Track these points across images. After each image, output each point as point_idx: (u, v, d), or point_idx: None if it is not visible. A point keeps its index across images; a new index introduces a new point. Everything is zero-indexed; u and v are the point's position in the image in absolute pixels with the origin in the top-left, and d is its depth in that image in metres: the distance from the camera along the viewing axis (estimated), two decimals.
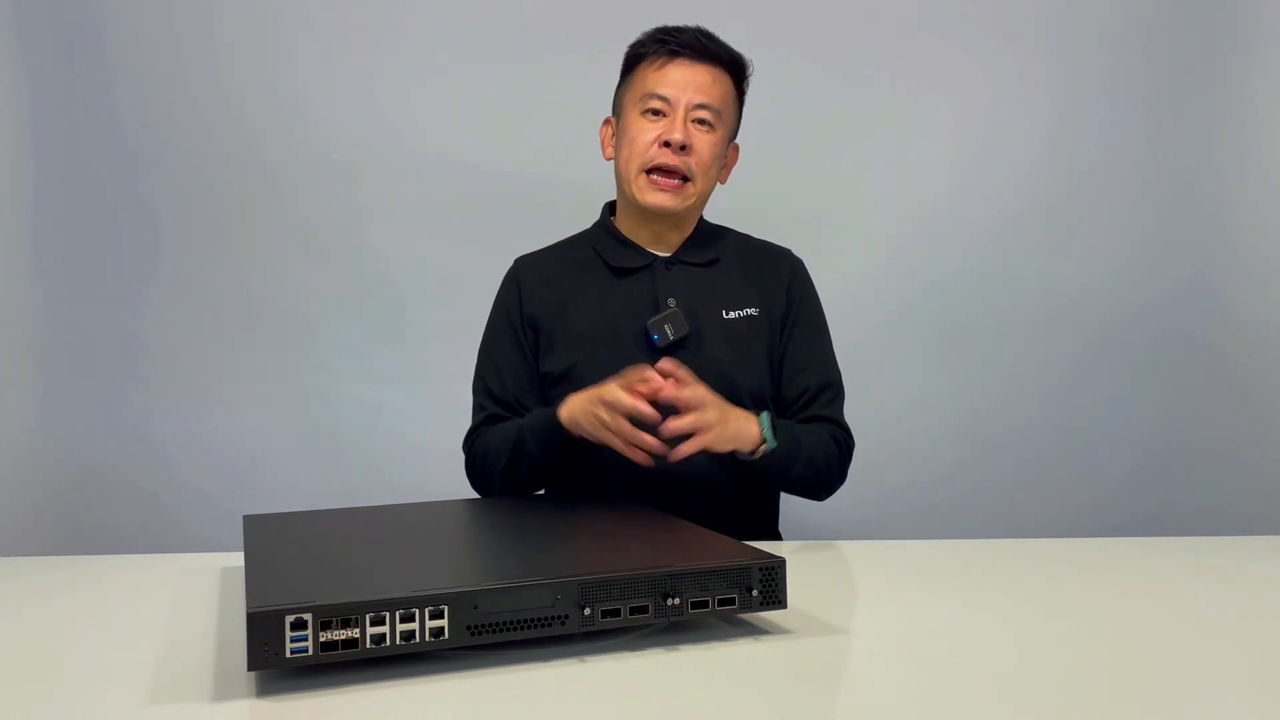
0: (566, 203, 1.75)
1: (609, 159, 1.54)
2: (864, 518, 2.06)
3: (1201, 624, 0.99)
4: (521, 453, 1.41)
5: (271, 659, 0.77)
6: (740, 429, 1.33)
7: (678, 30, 1.47)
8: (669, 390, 1.27)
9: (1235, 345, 2.34)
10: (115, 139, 2.22)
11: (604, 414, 1.29)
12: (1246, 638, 0.95)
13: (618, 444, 1.30)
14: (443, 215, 2.27)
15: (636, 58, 1.50)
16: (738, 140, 1.56)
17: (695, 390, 1.29)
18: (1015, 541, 1.44)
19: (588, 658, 0.85)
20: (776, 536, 1.55)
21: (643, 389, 1.27)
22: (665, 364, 1.29)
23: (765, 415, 1.36)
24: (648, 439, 1.29)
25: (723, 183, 1.55)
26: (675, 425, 1.28)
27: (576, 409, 1.35)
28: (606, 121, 1.56)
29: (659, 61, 1.46)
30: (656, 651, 0.87)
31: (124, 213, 2.24)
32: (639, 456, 1.30)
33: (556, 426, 1.37)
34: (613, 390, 1.28)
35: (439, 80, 2.26)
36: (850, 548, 1.35)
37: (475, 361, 1.56)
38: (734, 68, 1.49)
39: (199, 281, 2.26)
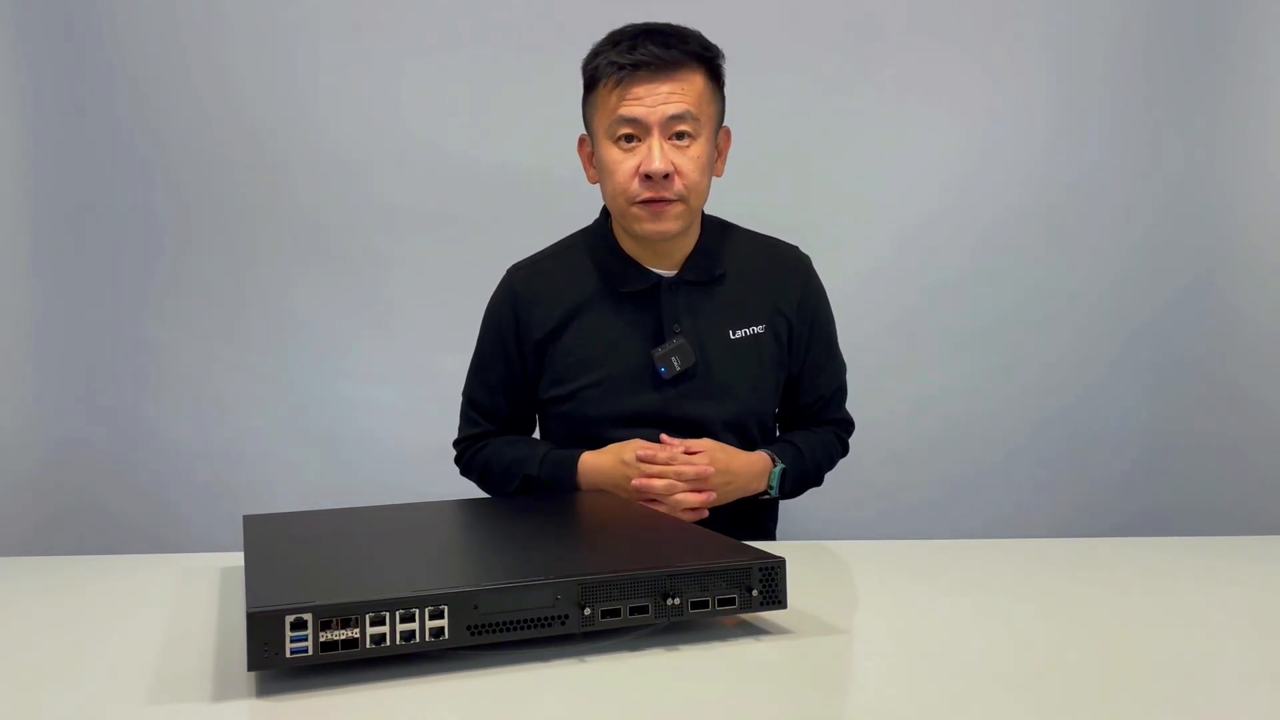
0: (565, 203, 1.75)
1: (593, 183, 1.47)
2: (864, 518, 2.06)
3: (1201, 624, 0.99)
4: (526, 490, 1.45)
5: (271, 659, 0.77)
6: (746, 486, 1.41)
7: (631, 45, 1.35)
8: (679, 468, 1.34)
9: (1236, 345, 2.34)
10: (115, 138, 2.22)
11: (633, 494, 1.34)
12: (1246, 638, 0.95)
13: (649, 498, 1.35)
14: (441, 216, 2.27)
15: (594, 79, 1.39)
16: (727, 124, 1.47)
17: (700, 462, 1.34)
18: (1015, 541, 1.44)
19: (588, 658, 0.85)
20: (771, 537, 1.55)
21: (661, 458, 1.34)
22: (669, 444, 1.36)
23: (776, 472, 1.42)
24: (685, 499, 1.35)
25: (719, 175, 1.47)
26: (688, 499, 1.34)
27: (602, 483, 1.39)
28: (581, 141, 1.48)
29: (615, 83, 1.35)
30: (656, 651, 0.87)
31: (123, 212, 2.24)
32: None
33: (572, 486, 1.41)
34: (642, 481, 1.33)
35: (437, 80, 2.26)
36: (850, 548, 1.35)
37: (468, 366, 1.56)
38: (700, 60, 1.38)
39: (198, 281, 2.26)
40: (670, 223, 1.39)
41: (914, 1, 2.30)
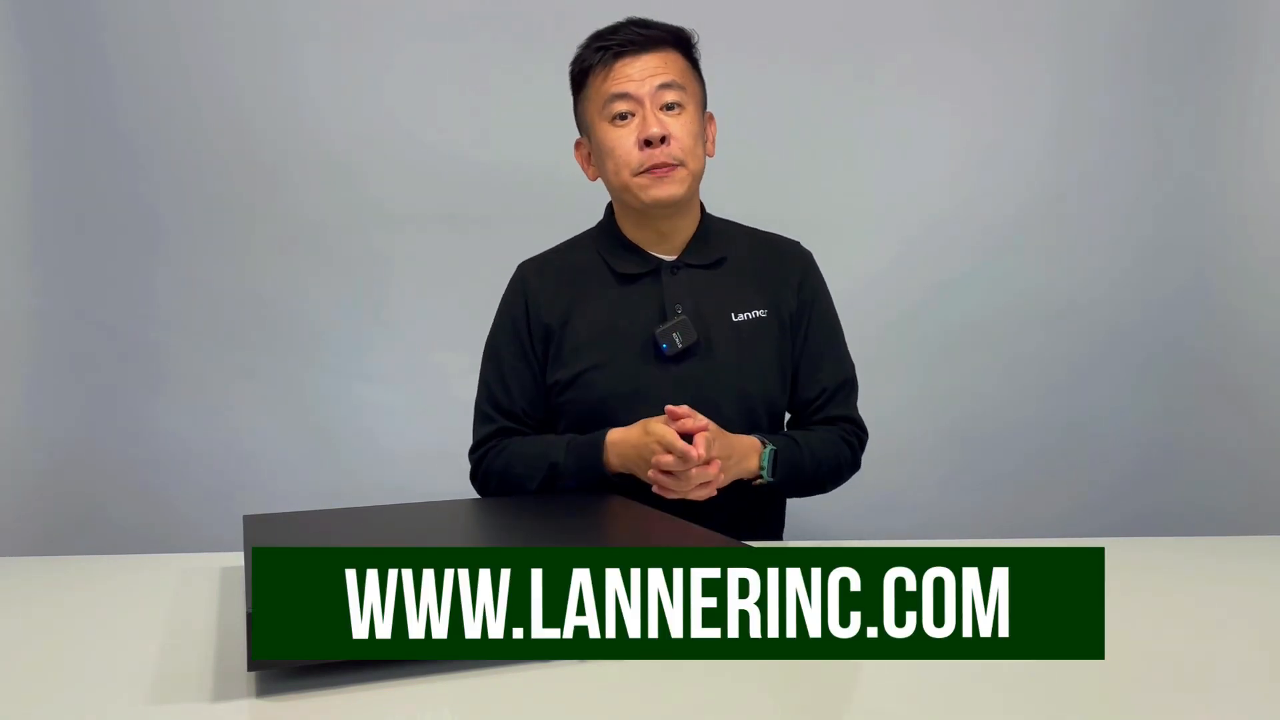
0: (569, 202, 1.75)
1: (593, 180, 1.52)
2: (864, 518, 2.06)
3: (1201, 624, 0.99)
4: (554, 484, 1.42)
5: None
6: (741, 467, 1.38)
7: (612, 31, 1.45)
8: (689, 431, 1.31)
9: (1236, 346, 2.34)
10: (115, 138, 2.22)
11: (658, 462, 1.31)
12: (1246, 638, 0.95)
13: (665, 483, 1.32)
14: (443, 215, 2.27)
15: (583, 72, 1.47)
16: (710, 110, 1.53)
17: (703, 449, 1.30)
18: (1014, 541, 1.44)
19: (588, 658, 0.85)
20: (779, 538, 1.55)
21: (683, 429, 1.31)
22: (679, 410, 1.31)
23: (768, 452, 1.39)
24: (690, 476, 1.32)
25: (710, 155, 1.51)
26: (698, 494, 1.32)
27: (629, 456, 1.36)
28: (578, 144, 1.54)
29: (606, 67, 1.44)
30: None
31: (123, 211, 2.24)
32: (673, 493, 1.33)
33: (599, 471, 1.39)
34: (667, 436, 1.29)
35: (439, 79, 2.26)
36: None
37: (479, 368, 1.54)
38: (677, 42, 1.46)
39: (198, 281, 2.26)
40: (673, 186, 1.43)
41: (915, 1, 2.30)
